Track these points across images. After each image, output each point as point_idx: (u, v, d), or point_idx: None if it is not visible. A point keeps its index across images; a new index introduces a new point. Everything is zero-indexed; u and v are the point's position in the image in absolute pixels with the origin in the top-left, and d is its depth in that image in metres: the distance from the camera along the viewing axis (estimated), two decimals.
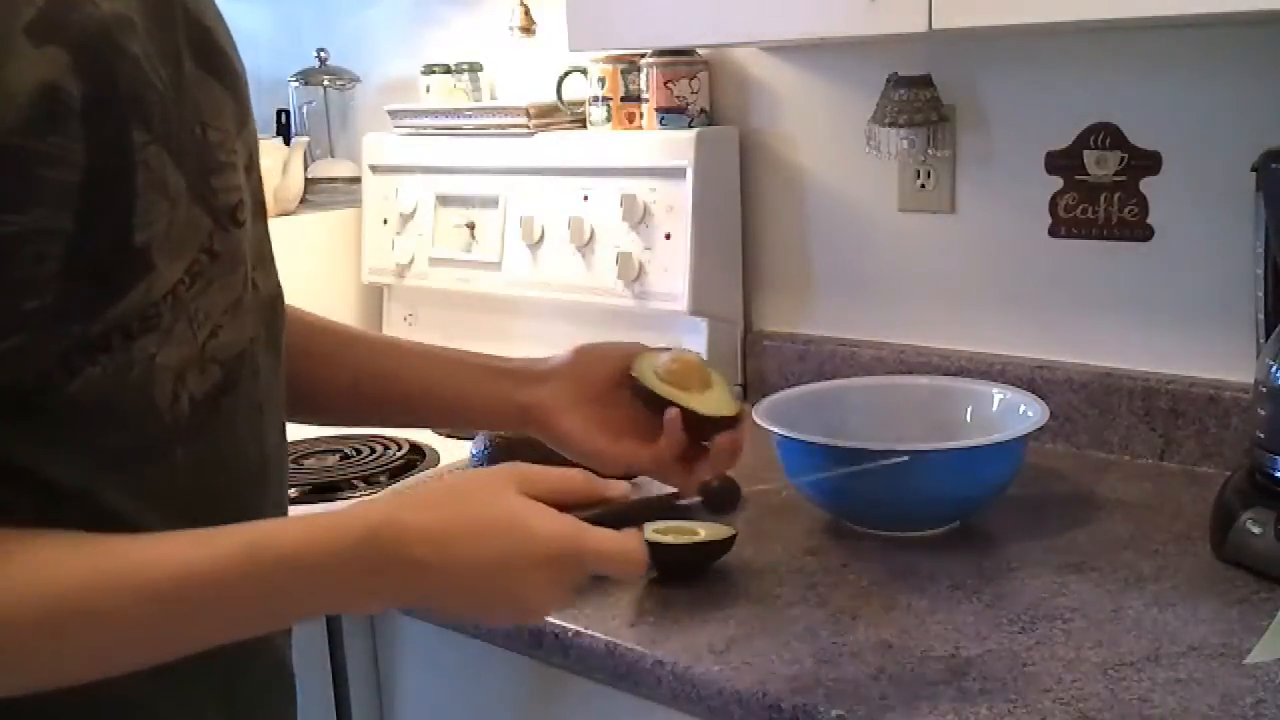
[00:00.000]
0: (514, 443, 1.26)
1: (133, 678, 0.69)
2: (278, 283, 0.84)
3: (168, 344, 0.71)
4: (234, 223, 0.76)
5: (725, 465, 0.95)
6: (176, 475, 0.73)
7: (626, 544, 0.77)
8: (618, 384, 0.96)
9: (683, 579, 1.10)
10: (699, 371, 0.97)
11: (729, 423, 0.93)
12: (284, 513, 0.86)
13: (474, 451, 1.28)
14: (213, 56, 0.76)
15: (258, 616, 0.73)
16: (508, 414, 0.99)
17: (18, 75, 0.62)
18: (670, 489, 0.83)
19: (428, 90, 2.01)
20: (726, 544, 1.12)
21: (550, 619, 1.05)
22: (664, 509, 0.81)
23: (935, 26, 1.15)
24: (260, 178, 0.83)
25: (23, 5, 0.63)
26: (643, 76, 1.70)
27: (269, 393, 0.82)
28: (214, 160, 0.74)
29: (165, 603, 0.68)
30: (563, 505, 0.76)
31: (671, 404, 0.92)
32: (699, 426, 0.92)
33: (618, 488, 0.80)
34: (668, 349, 0.99)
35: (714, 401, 0.96)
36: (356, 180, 2.13)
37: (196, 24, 0.75)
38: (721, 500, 0.83)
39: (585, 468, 0.83)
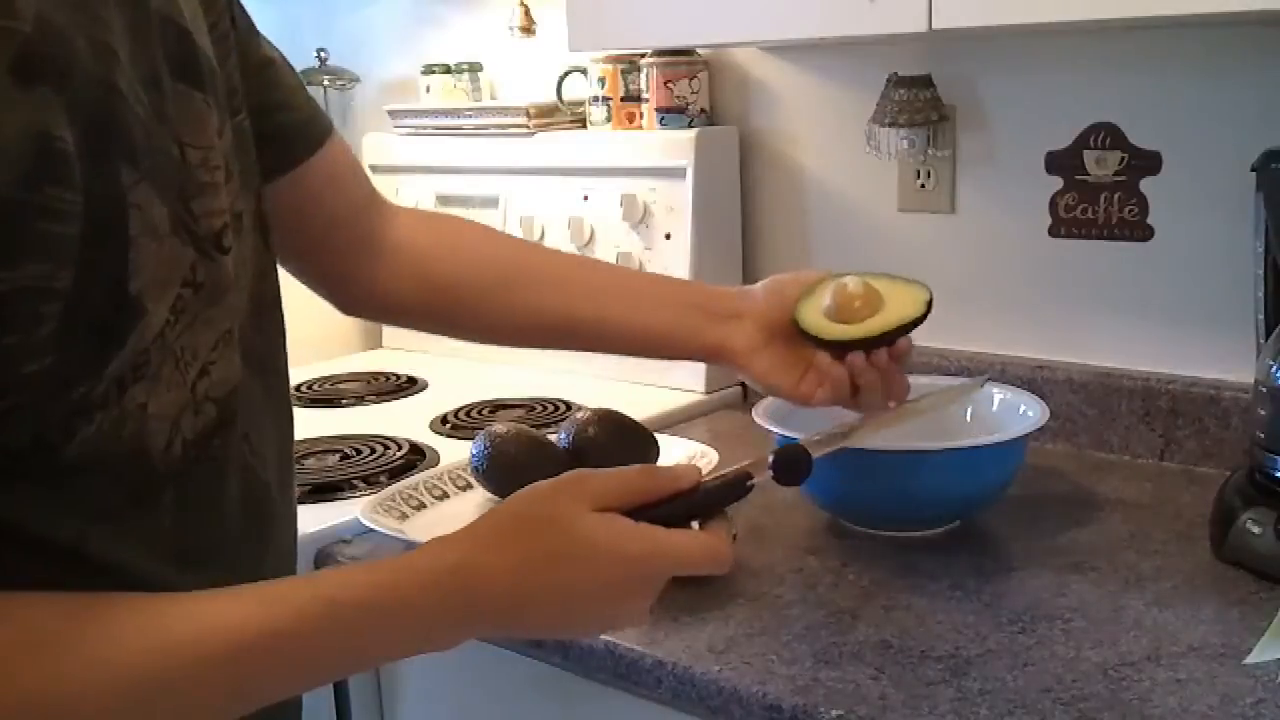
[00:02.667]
0: (509, 440, 1.26)
1: None
2: (277, 290, 0.81)
3: (157, 390, 0.66)
4: (219, 249, 0.71)
5: (896, 384, 1.01)
6: (163, 518, 0.68)
7: (710, 543, 0.76)
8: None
9: (683, 578, 1.10)
10: (865, 295, 1.01)
11: (901, 331, 0.99)
12: (294, 530, 0.84)
13: (474, 452, 1.27)
14: (191, 64, 0.70)
15: (337, 667, 0.71)
16: (695, 350, 1.05)
17: (7, 121, 0.57)
18: (743, 465, 0.82)
19: (428, 90, 2.01)
20: None
21: None
22: (736, 490, 0.81)
23: (935, 26, 1.15)
24: (238, 186, 0.76)
25: (3, 42, 0.56)
26: (643, 76, 1.70)
27: (258, 419, 0.77)
28: (194, 183, 0.69)
29: (250, 664, 0.65)
30: (636, 507, 0.74)
31: (838, 343, 0.98)
32: (874, 348, 0.99)
33: (688, 476, 0.78)
34: (836, 277, 1.04)
35: (880, 321, 1.00)
36: None
37: (173, 29, 0.70)
38: (791, 468, 0.81)
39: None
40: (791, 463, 0.83)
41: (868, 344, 1.00)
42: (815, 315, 1.02)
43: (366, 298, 1.02)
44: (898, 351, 1.01)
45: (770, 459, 0.83)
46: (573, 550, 0.71)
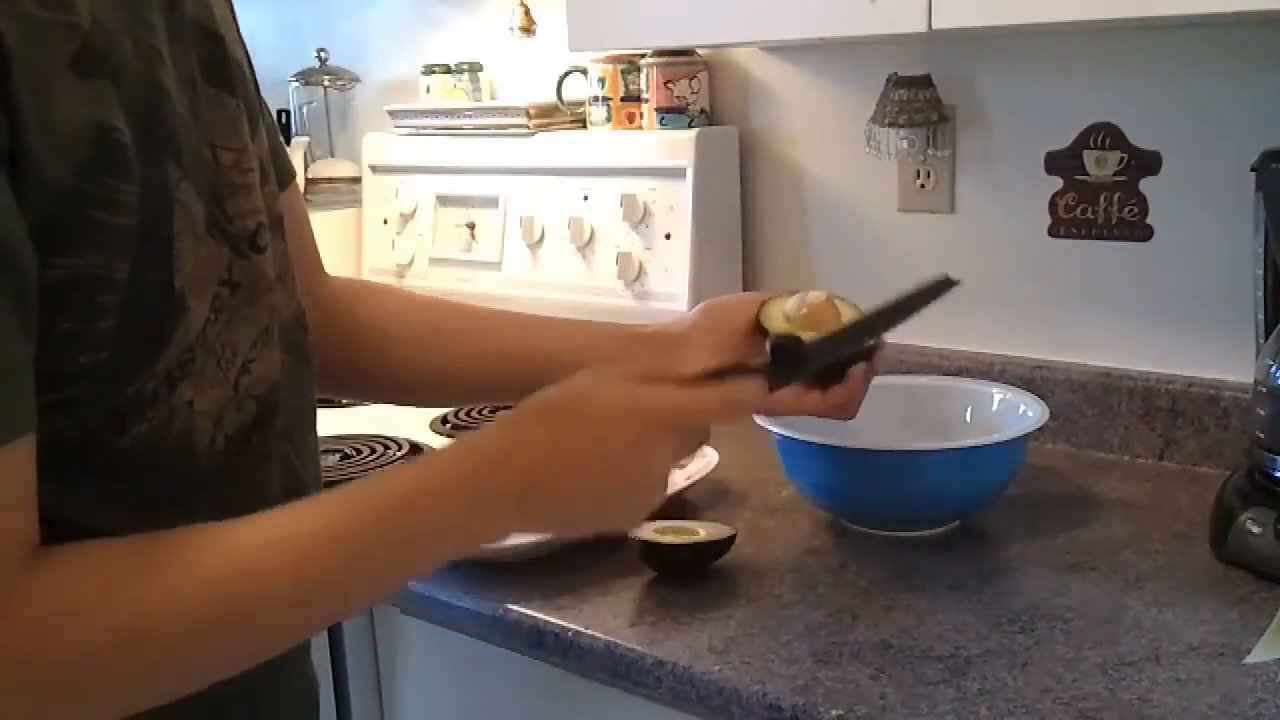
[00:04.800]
0: None
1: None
2: (299, 300, 0.82)
3: (202, 387, 0.68)
4: (254, 249, 0.73)
5: (858, 394, 0.98)
6: (202, 512, 0.67)
7: (728, 390, 0.77)
8: (751, 335, 0.99)
9: (683, 579, 1.10)
10: (829, 308, 1.00)
11: (868, 353, 0.97)
12: None
13: None
14: (223, 69, 0.73)
15: (398, 564, 0.72)
16: None
17: (69, 112, 0.59)
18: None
19: (428, 90, 2.01)
20: (726, 544, 1.12)
21: (550, 619, 1.05)
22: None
23: (935, 26, 1.15)
24: (275, 189, 0.80)
25: (65, 37, 0.60)
26: (643, 76, 1.70)
27: (297, 417, 0.79)
28: (227, 185, 0.71)
29: (316, 568, 0.67)
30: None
31: None
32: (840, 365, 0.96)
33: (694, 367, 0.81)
34: (794, 292, 1.01)
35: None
36: (357, 180, 2.13)
37: (205, 34, 0.72)
38: (789, 358, 0.83)
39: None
40: (789, 354, 0.85)
41: (864, 355, 0.99)
42: (779, 319, 1.00)
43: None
44: (872, 370, 0.99)
45: (769, 350, 0.85)
46: (594, 414, 0.74)
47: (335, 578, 0.68)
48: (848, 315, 1.01)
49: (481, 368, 1.02)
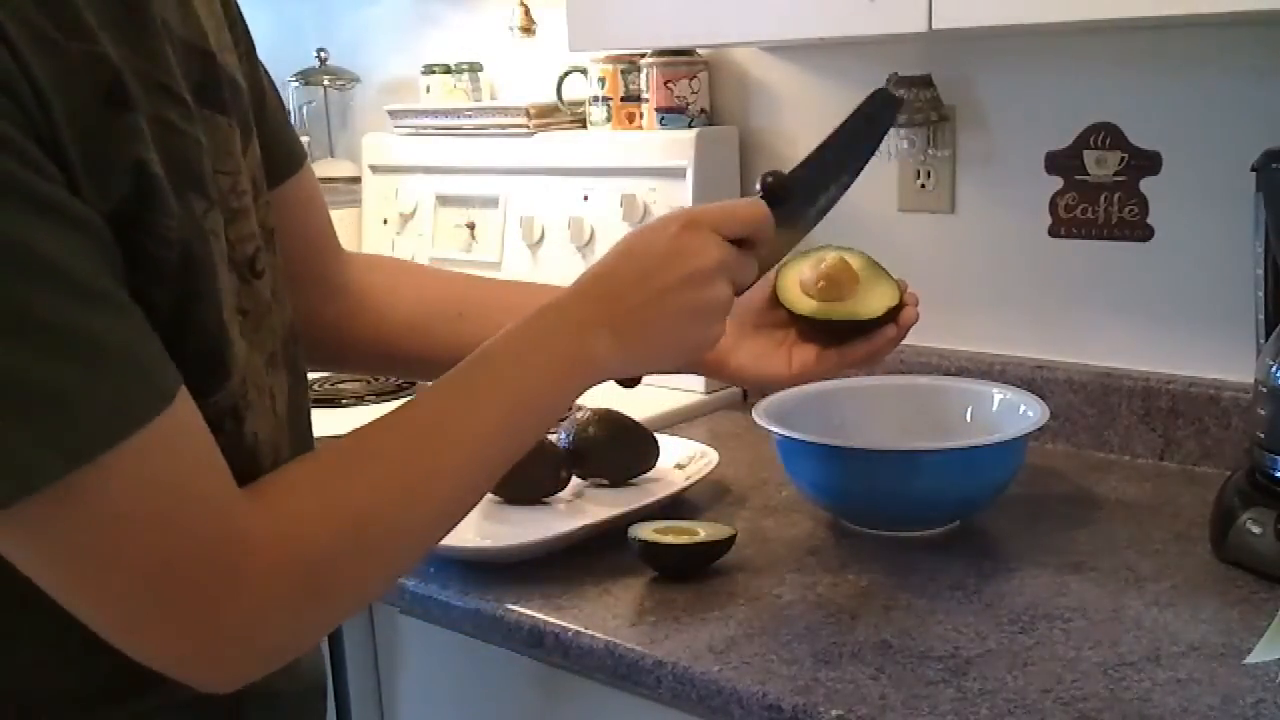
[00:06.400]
0: None
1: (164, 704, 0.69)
2: (290, 311, 0.82)
3: (259, 418, 0.71)
4: (254, 274, 0.73)
5: (886, 350, 1.01)
6: None
7: (754, 202, 0.88)
8: (772, 304, 1.01)
9: (683, 579, 1.10)
10: (844, 270, 1.00)
11: (888, 317, 0.99)
12: None
13: None
14: (214, 88, 0.72)
15: (529, 391, 0.79)
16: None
17: (108, 149, 0.59)
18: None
19: (428, 90, 2.01)
20: (726, 544, 1.12)
21: (550, 619, 1.05)
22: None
23: (935, 26, 1.15)
24: (267, 198, 0.79)
25: (97, 70, 0.59)
26: (643, 76, 1.70)
27: (299, 430, 0.80)
28: (228, 210, 0.71)
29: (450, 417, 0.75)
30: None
31: (806, 320, 0.98)
32: (858, 331, 0.98)
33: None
34: (805, 254, 1.02)
35: (866, 301, 0.99)
36: (356, 180, 2.13)
37: (197, 54, 0.70)
38: (779, 193, 0.92)
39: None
40: (776, 190, 0.92)
41: (836, 328, 0.99)
42: (797, 291, 1.01)
43: (326, 339, 0.99)
44: (885, 340, 1.01)
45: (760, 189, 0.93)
46: (635, 241, 0.85)
47: (488, 422, 0.76)
48: (863, 270, 1.02)
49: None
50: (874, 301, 1.00)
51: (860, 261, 1.03)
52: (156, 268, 0.62)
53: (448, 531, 0.76)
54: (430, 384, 0.79)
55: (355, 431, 0.72)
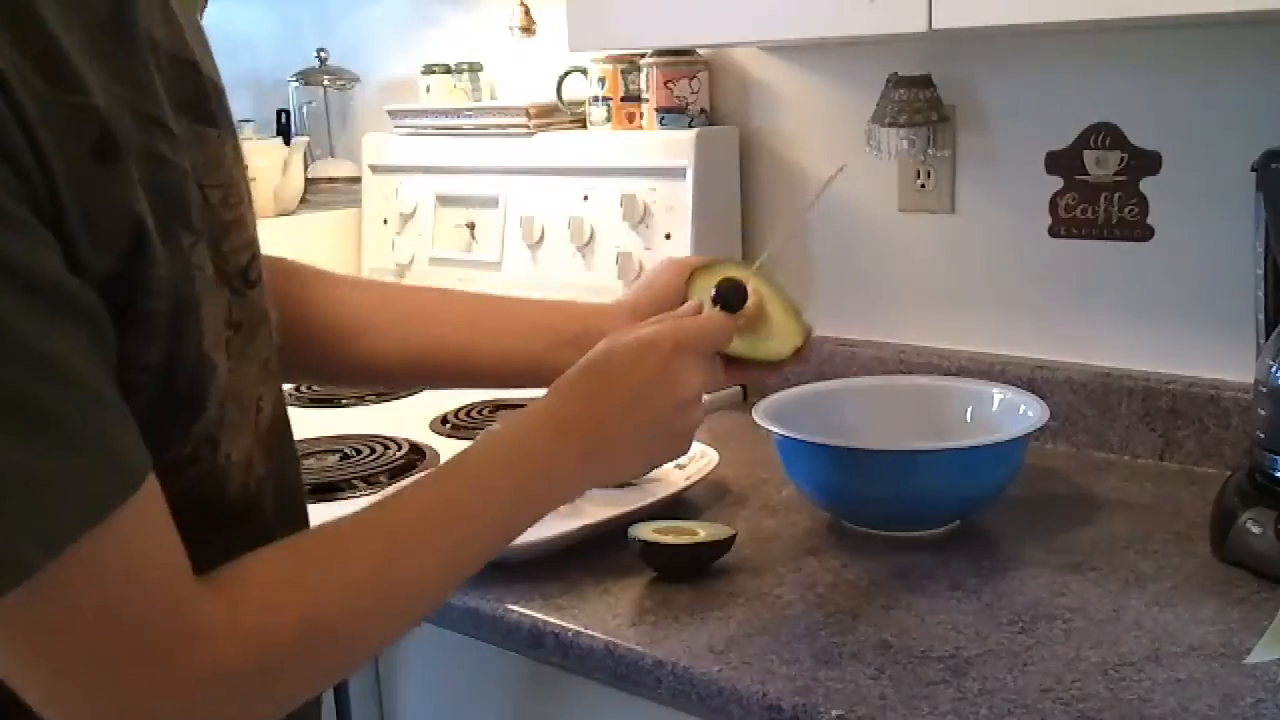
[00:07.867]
0: None
1: None
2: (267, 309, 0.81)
3: (236, 438, 0.70)
4: (247, 284, 0.71)
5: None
6: (221, 554, 0.67)
7: (715, 317, 0.95)
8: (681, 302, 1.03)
9: (683, 579, 1.10)
10: (762, 311, 1.01)
11: (794, 355, 1.03)
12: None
13: None
14: (200, 100, 0.69)
15: (499, 519, 0.83)
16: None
17: (101, 203, 0.58)
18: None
19: (428, 90, 2.01)
20: (726, 544, 1.12)
21: (550, 619, 1.05)
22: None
23: (935, 26, 1.15)
24: (254, 212, 0.76)
25: (85, 123, 0.58)
26: (643, 76, 1.70)
27: (282, 429, 0.79)
28: (220, 225, 0.69)
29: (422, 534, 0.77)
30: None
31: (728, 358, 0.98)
32: (769, 366, 1.03)
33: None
34: (716, 261, 1.05)
35: (780, 339, 1.02)
36: (356, 180, 2.13)
37: (182, 67, 0.68)
38: (730, 299, 0.98)
39: None
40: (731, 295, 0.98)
41: (748, 363, 1.02)
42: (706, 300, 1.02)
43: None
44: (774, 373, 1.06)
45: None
46: (617, 363, 0.86)
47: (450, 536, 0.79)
48: (769, 301, 1.03)
49: (414, 365, 1.06)
50: (786, 343, 1.03)
51: (766, 289, 1.04)
52: (149, 323, 0.61)
53: (412, 629, 0.80)
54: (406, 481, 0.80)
55: (330, 525, 0.73)
